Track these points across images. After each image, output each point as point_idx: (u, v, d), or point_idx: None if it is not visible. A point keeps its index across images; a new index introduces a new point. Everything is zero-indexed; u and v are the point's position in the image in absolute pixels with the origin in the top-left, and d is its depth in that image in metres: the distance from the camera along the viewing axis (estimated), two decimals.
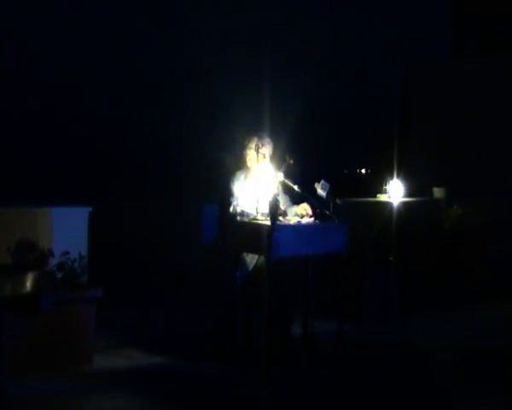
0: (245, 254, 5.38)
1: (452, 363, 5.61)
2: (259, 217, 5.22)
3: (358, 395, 4.88)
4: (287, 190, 5.61)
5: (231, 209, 5.33)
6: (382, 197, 9.60)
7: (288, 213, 5.45)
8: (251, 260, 5.37)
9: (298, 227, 5.29)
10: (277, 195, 5.32)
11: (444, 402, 4.80)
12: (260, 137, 5.59)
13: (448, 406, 4.76)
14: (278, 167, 5.52)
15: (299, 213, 5.45)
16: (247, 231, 5.19)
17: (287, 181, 5.50)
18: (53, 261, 5.27)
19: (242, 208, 5.31)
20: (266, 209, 5.13)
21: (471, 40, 16.43)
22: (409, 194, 9.88)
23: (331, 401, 4.73)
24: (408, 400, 4.82)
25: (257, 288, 5.16)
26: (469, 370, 5.44)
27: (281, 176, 5.48)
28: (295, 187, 5.47)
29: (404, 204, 9.02)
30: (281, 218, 5.22)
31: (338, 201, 5.35)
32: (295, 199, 5.64)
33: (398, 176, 10.20)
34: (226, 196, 5.46)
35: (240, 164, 5.67)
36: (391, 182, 9.70)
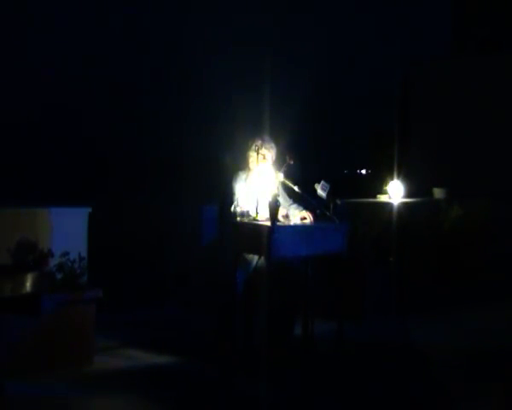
0: (245, 254, 5.38)
1: (452, 363, 5.61)
2: (259, 217, 5.22)
3: (358, 396, 4.87)
4: (287, 190, 5.61)
5: (232, 210, 5.33)
6: (383, 198, 9.62)
7: (290, 213, 5.46)
8: (251, 260, 5.37)
9: (298, 228, 5.29)
10: (277, 195, 5.32)
11: (444, 402, 4.80)
12: (263, 140, 5.59)
13: (448, 406, 4.76)
14: (278, 168, 5.53)
15: (301, 217, 5.46)
16: (248, 232, 5.18)
17: (287, 182, 5.50)
18: (52, 262, 5.27)
19: (243, 209, 5.31)
20: (266, 210, 5.13)
21: (471, 40, 16.42)
22: (409, 194, 9.89)
23: (331, 401, 4.73)
24: (408, 400, 4.82)
25: (257, 288, 5.16)
26: (469, 370, 5.44)
27: (281, 176, 5.48)
28: (295, 188, 5.47)
29: (405, 205, 9.03)
30: (281, 219, 5.23)
31: (338, 201, 5.34)
32: (295, 200, 5.64)
33: (398, 176, 10.22)
34: (227, 196, 5.46)
35: (242, 165, 5.67)
36: (391, 182, 9.72)
